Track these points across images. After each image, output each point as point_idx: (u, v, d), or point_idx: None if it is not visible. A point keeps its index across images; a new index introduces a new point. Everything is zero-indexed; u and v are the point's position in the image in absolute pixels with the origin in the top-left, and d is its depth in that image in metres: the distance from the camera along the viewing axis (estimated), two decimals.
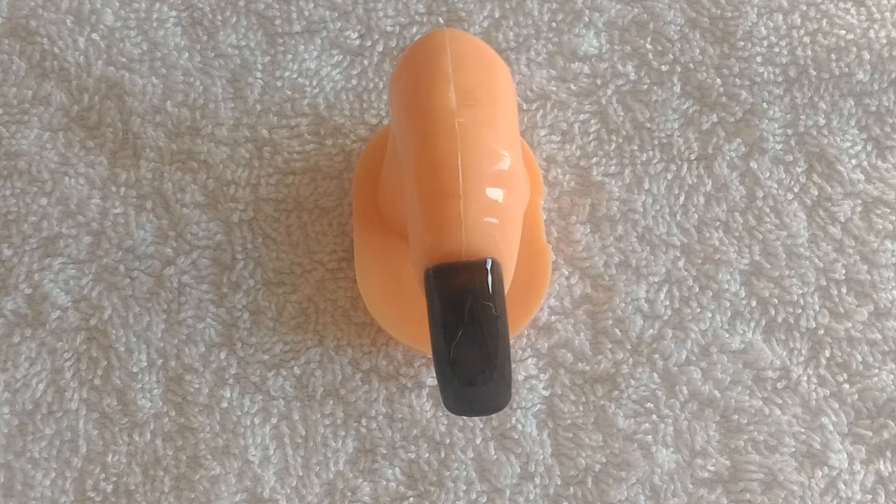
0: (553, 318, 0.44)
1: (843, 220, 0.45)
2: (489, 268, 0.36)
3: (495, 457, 0.43)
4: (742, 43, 0.48)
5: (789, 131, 0.47)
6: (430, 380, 0.43)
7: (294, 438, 0.43)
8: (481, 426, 0.43)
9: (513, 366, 0.43)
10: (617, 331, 0.44)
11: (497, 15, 0.48)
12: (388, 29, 0.48)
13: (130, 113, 0.47)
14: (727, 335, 0.44)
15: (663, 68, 0.47)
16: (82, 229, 0.46)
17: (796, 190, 0.46)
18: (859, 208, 0.45)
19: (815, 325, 0.44)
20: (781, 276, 0.45)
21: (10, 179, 0.46)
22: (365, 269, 0.44)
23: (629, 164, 0.46)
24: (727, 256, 0.45)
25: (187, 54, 0.48)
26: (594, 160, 0.46)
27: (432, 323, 0.35)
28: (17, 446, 0.43)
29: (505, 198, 0.37)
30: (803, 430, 0.43)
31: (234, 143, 0.47)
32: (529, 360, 0.44)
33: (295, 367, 0.44)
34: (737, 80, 0.47)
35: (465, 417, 0.43)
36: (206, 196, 0.46)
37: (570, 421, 0.43)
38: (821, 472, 0.42)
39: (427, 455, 0.43)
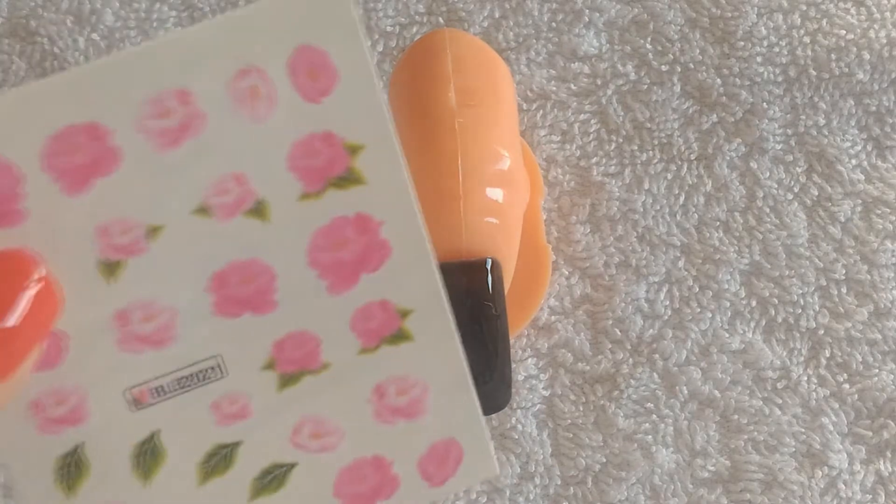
0: (553, 318, 0.44)
1: (843, 220, 0.45)
2: (489, 268, 0.36)
3: (495, 457, 0.43)
4: (742, 43, 0.48)
5: (789, 131, 0.47)
6: None
7: None
8: None
9: (513, 366, 0.43)
10: (617, 331, 0.44)
11: (497, 15, 0.48)
12: (388, 29, 0.48)
13: None
14: (727, 335, 0.44)
15: (663, 68, 0.48)
16: None
17: (796, 190, 0.46)
18: (859, 208, 0.45)
19: (815, 325, 0.44)
20: (781, 276, 0.45)
21: None
22: None
23: (629, 164, 0.46)
24: (727, 256, 0.45)
25: None
26: (594, 160, 0.46)
27: None
28: None
29: (505, 198, 0.37)
30: (803, 430, 0.43)
31: None
32: (529, 360, 0.44)
33: None
34: (737, 80, 0.47)
35: None
36: None
37: (570, 421, 0.43)
38: (821, 472, 0.42)
39: None
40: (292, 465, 0.27)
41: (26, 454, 0.25)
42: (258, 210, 0.25)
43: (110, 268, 0.24)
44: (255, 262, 0.25)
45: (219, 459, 0.26)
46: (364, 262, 0.26)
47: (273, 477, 0.27)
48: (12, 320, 0.22)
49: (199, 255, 0.25)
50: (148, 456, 0.26)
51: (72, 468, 0.26)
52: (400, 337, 0.26)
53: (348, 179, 0.25)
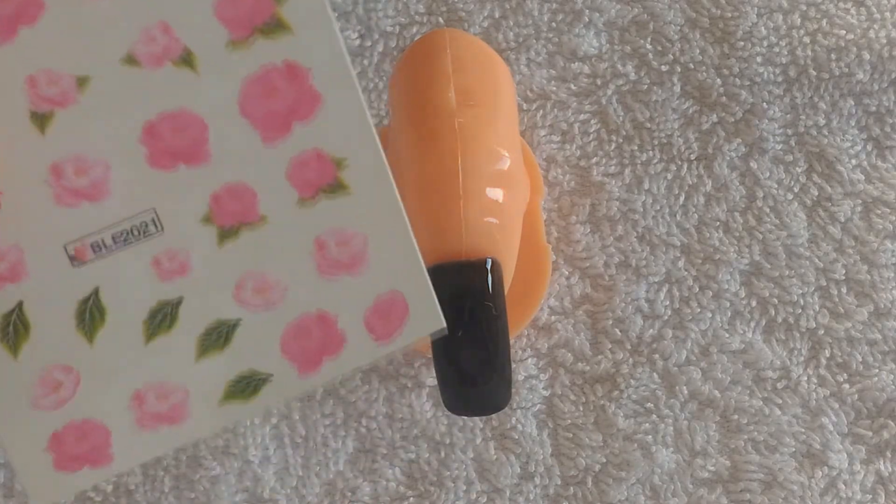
0: (553, 318, 0.44)
1: (843, 220, 0.45)
2: (489, 268, 0.36)
3: (495, 457, 0.43)
4: (742, 43, 0.48)
5: (789, 131, 0.47)
6: (430, 380, 0.43)
7: (294, 438, 0.43)
8: (481, 426, 0.43)
9: (513, 366, 0.43)
10: (617, 331, 0.44)
11: (497, 15, 0.48)
12: (388, 29, 0.48)
13: None
14: (727, 335, 0.44)
15: (663, 68, 0.47)
16: None
17: (796, 190, 0.46)
18: (859, 208, 0.45)
19: (815, 325, 0.44)
20: (781, 276, 0.45)
21: None
22: None
23: (629, 164, 0.46)
24: (727, 256, 0.45)
25: None
26: (594, 160, 0.46)
27: None
28: None
29: (505, 198, 0.37)
30: (803, 430, 0.43)
31: None
32: (529, 360, 0.44)
33: None
34: (737, 80, 0.47)
35: (465, 417, 0.43)
36: None
37: (570, 421, 0.43)
38: (821, 472, 0.42)
39: (427, 455, 0.43)
40: (237, 322, 0.27)
41: None
42: (186, 59, 0.25)
43: (41, 119, 0.24)
44: (185, 112, 0.25)
45: (163, 317, 0.26)
46: (296, 110, 0.26)
47: (218, 334, 0.27)
48: None
49: (128, 105, 0.25)
50: (90, 314, 0.26)
51: (15, 327, 0.26)
52: (337, 187, 0.27)
53: (274, 27, 0.25)
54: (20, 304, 0.26)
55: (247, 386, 0.27)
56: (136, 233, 0.26)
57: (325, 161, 0.26)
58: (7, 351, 0.26)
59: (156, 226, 0.26)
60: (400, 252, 0.28)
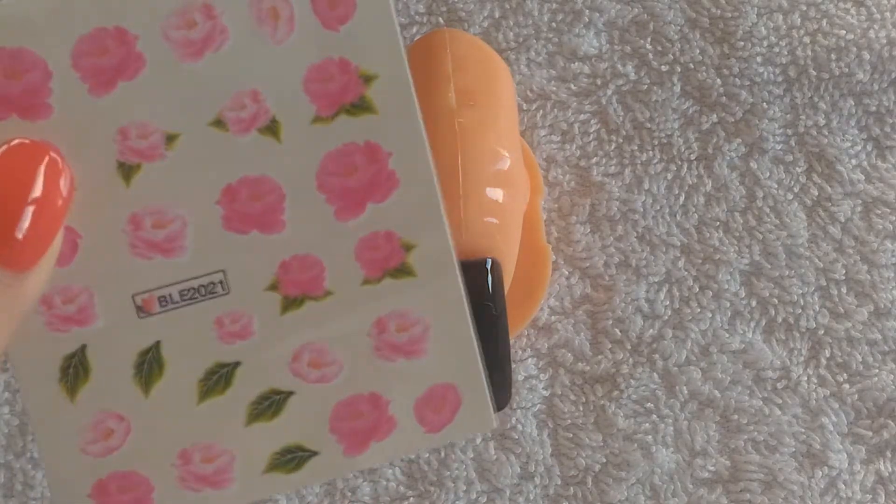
0: (553, 318, 0.44)
1: (843, 220, 0.45)
2: (489, 268, 0.36)
3: (495, 457, 0.43)
4: (742, 43, 0.48)
5: (789, 131, 0.47)
6: None
7: None
8: None
9: (513, 366, 0.43)
10: (617, 331, 0.44)
11: (497, 15, 0.48)
12: None
13: None
14: (727, 335, 0.44)
15: (663, 68, 0.47)
16: None
17: (796, 190, 0.46)
18: (859, 208, 0.45)
19: (815, 325, 0.44)
20: (781, 276, 0.45)
21: None
22: None
23: (629, 164, 0.46)
24: (727, 256, 0.45)
25: None
26: (594, 160, 0.46)
27: None
28: (17, 446, 0.43)
29: (505, 198, 0.37)
30: (803, 430, 0.43)
31: None
32: (529, 360, 0.44)
33: None
34: (737, 80, 0.47)
35: None
36: None
37: (570, 421, 0.43)
38: (821, 472, 0.42)
39: (427, 455, 0.43)
40: (289, 393, 0.27)
41: (34, 348, 0.26)
42: (272, 128, 0.25)
43: (127, 170, 0.25)
44: (265, 179, 0.25)
45: (218, 378, 0.27)
46: (371, 191, 0.26)
47: (270, 403, 0.27)
48: (38, 191, 0.23)
49: (212, 166, 0.25)
50: (149, 366, 0.26)
51: (76, 369, 0.26)
52: (403, 271, 0.27)
53: (360, 107, 0.25)
54: (83, 348, 0.26)
55: (292, 459, 0.27)
56: (203, 291, 0.26)
57: (394, 244, 0.26)
58: (65, 392, 0.26)
59: (223, 287, 0.26)
60: (459, 344, 0.28)
